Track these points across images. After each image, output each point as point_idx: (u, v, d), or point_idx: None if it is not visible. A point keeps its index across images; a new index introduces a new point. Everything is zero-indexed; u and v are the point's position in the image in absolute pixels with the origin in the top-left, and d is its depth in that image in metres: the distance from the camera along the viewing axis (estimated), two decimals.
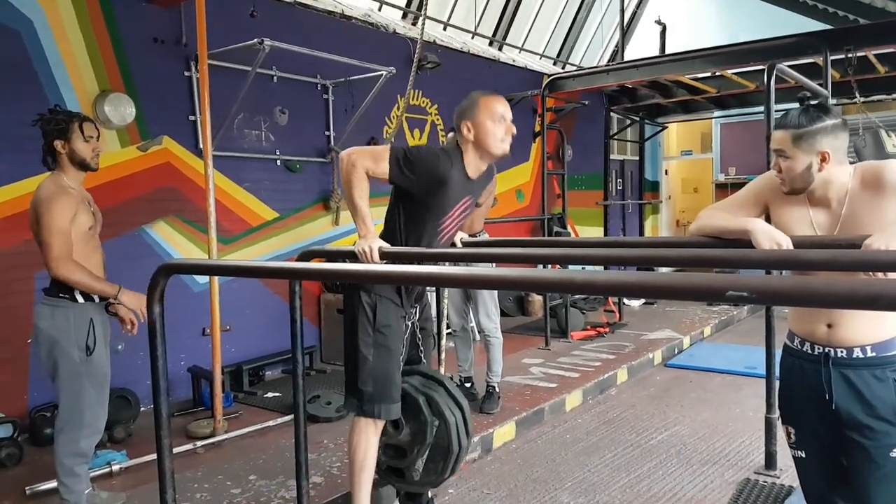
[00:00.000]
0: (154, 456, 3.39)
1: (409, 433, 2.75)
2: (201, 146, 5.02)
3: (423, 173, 2.52)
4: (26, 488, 3.37)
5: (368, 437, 2.64)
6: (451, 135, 4.36)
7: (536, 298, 8.21)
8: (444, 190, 2.57)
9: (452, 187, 2.59)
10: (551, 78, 7.85)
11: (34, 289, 4.16)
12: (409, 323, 2.79)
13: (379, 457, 2.78)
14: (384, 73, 5.54)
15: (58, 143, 2.95)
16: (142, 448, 3.74)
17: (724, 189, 10.73)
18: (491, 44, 9.07)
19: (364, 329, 2.63)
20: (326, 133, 6.13)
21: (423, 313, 2.92)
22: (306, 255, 2.59)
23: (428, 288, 3.13)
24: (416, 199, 2.60)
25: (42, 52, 4.28)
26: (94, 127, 3.05)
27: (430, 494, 3.04)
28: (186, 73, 5.04)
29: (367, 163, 2.50)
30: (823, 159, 1.96)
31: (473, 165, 2.66)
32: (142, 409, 4.40)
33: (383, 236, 2.69)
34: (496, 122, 2.59)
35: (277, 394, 5.03)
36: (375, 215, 2.57)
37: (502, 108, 2.62)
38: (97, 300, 3.00)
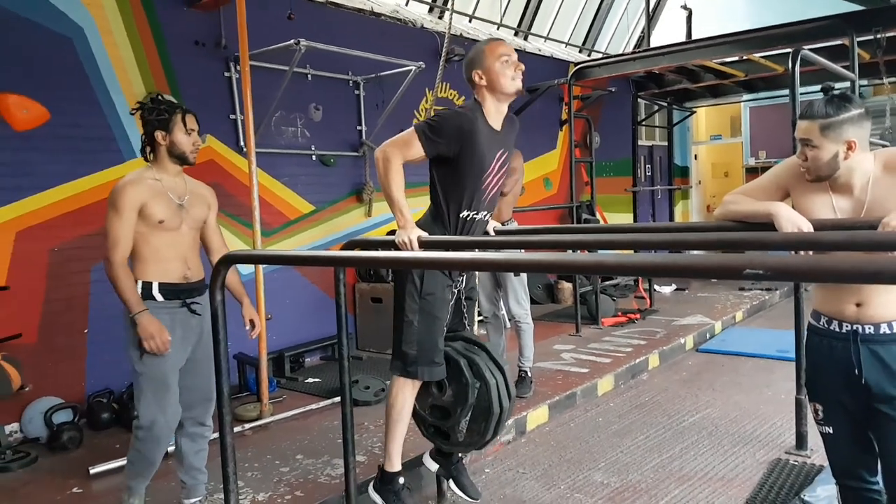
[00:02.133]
0: None
1: (451, 395, 2.86)
2: (241, 143, 5.26)
3: (451, 133, 2.63)
4: (89, 468, 3.59)
5: (406, 395, 2.80)
6: None
7: (566, 286, 8.31)
8: (475, 143, 2.66)
9: (482, 139, 2.68)
10: (578, 66, 7.91)
11: (90, 280, 4.42)
12: (455, 291, 2.89)
13: (425, 418, 2.94)
14: (413, 68, 5.68)
15: (159, 135, 2.82)
16: None
17: (754, 173, 10.69)
18: (516, 34, 9.15)
19: (411, 296, 2.75)
20: (358, 128, 6.30)
21: (468, 283, 3.03)
22: (350, 245, 2.74)
23: None
24: (454, 162, 2.69)
25: (92, 57, 4.50)
26: (195, 119, 2.92)
27: (460, 455, 3.16)
28: (226, 74, 5.25)
29: (401, 152, 2.62)
30: (850, 147, 2.04)
31: (494, 113, 2.77)
32: None
33: (428, 214, 2.82)
34: (503, 62, 2.71)
35: (317, 379, 5.24)
36: (411, 205, 2.68)
37: (506, 49, 2.75)
38: (162, 299, 2.80)
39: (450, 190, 2.74)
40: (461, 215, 2.77)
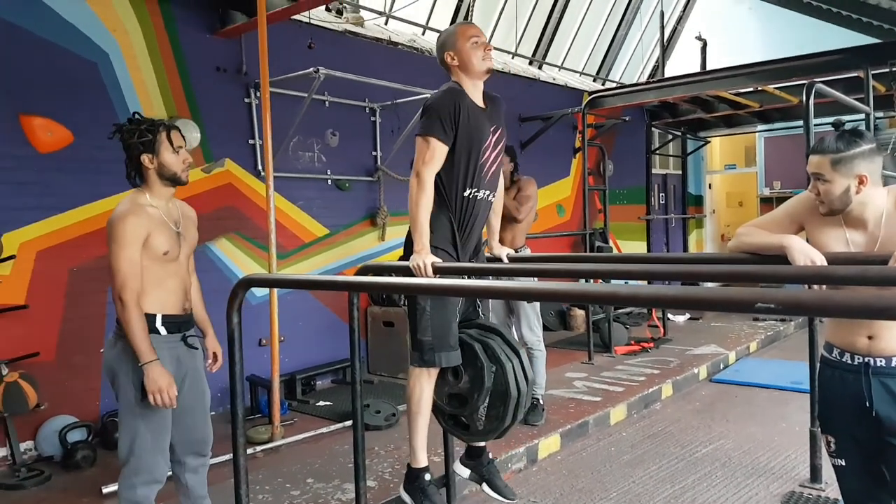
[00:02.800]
0: (215, 460, 3.65)
1: (467, 380, 2.82)
2: (260, 168, 5.33)
3: (447, 112, 2.68)
4: (102, 488, 3.62)
5: (423, 384, 2.78)
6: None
7: (578, 313, 8.29)
8: (468, 115, 2.71)
9: (472, 112, 2.74)
10: (592, 96, 7.97)
11: (106, 301, 4.47)
12: (466, 277, 2.88)
13: (444, 410, 2.90)
14: (429, 95, 5.73)
15: (145, 158, 2.61)
16: None
17: (769, 203, 10.68)
18: (531, 63, 9.24)
19: None
20: (374, 153, 6.38)
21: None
22: (364, 270, 2.77)
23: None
24: (454, 146, 2.73)
25: (116, 81, 4.61)
26: (180, 135, 2.71)
27: (490, 455, 3.10)
28: (246, 100, 5.35)
29: (430, 166, 2.67)
30: (861, 182, 2.07)
31: (472, 90, 2.82)
32: None
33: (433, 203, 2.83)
34: (473, 44, 2.78)
35: (329, 403, 5.24)
36: None
37: (475, 31, 2.83)
38: (165, 332, 2.66)
39: (451, 170, 2.76)
40: (464, 195, 2.78)
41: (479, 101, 2.84)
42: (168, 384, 2.54)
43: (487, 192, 2.87)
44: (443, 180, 2.78)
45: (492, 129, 2.83)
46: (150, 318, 2.61)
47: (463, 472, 3.06)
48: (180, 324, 2.73)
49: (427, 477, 2.82)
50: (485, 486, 3.03)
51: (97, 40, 4.52)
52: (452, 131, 2.70)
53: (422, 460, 2.82)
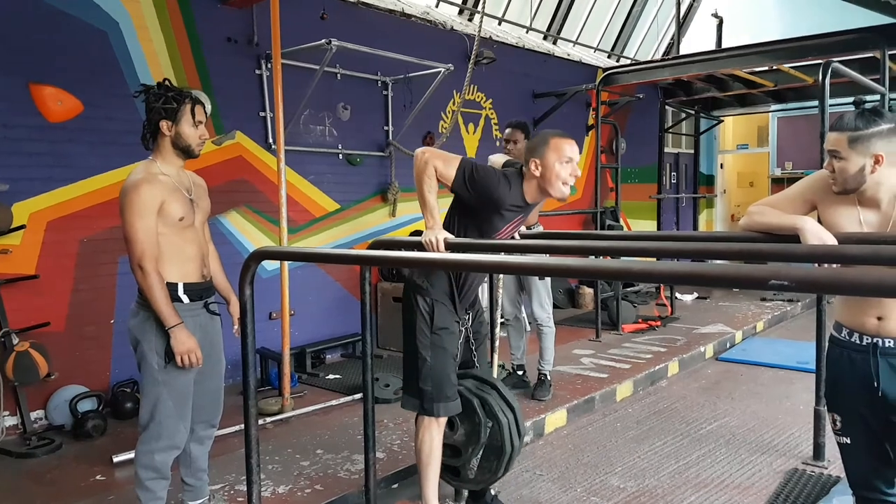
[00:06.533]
0: (224, 431, 3.70)
1: (463, 433, 2.92)
2: (270, 141, 5.33)
3: (482, 193, 2.68)
4: (113, 457, 3.66)
5: (433, 434, 2.82)
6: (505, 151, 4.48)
7: (587, 291, 8.30)
8: (498, 211, 2.73)
9: (506, 211, 2.74)
10: (606, 72, 7.89)
11: (117, 272, 4.51)
12: (463, 329, 2.95)
13: None
14: (442, 69, 5.71)
15: (164, 124, 2.63)
16: None
17: (780, 183, 10.60)
18: (545, 38, 9.15)
19: (422, 332, 2.80)
20: (385, 128, 6.35)
21: (476, 319, 3.07)
22: (376, 245, 2.77)
23: (481, 286, 3.26)
24: (472, 211, 2.76)
25: (127, 52, 4.59)
26: (203, 111, 2.73)
27: (493, 492, 3.20)
28: (257, 72, 5.32)
29: (439, 164, 2.66)
30: (877, 161, 2.06)
31: (532, 195, 2.80)
32: None
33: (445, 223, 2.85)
34: (563, 164, 2.71)
35: (338, 376, 5.29)
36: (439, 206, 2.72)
37: (571, 150, 2.74)
38: (188, 301, 2.69)
39: (463, 227, 2.80)
40: None
41: (531, 199, 2.81)
42: (196, 345, 2.62)
43: None
44: (456, 223, 2.81)
45: (516, 218, 2.83)
46: (172, 287, 2.64)
47: None
48: (202, 291, 2.77)
49: None
50: None
51: (107, 9, 4.50)
52: (464, 196, 2.70)
53: None
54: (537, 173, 2.73)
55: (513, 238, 2.96)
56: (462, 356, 2.97)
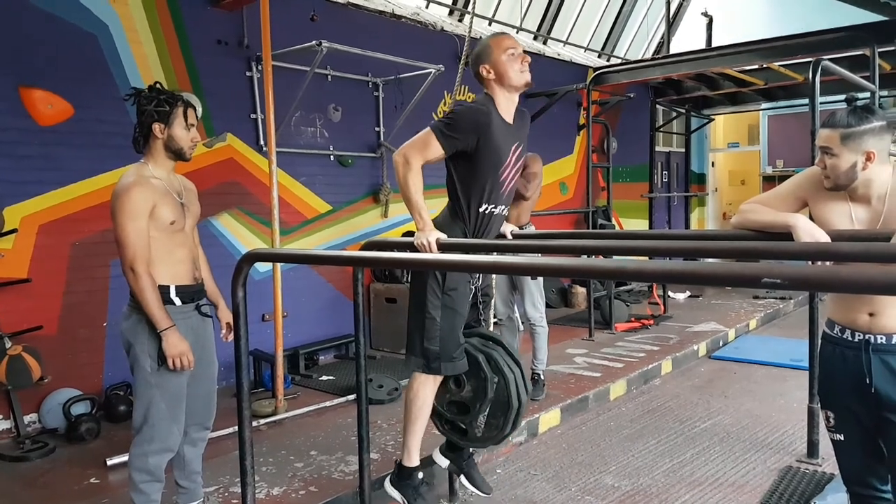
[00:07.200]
0: (218, 433, 3.69)
1: (470, 390, 2.89)
2: (262, 143, 5.32)
3: (468, 127, 2.65)
4: (106, 460, 3.64)
5: (427, 391, 2.82)
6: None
7: (580, 290, 8.32)
8: (491, 135, 2.68)
9: (497, 132, 2.70)
10: (597, 72, 7.91)
11: (109, 275, 4.49)
12: (473, 287, 2.92)
13: (443, 413, 2.96)
14: (433, 70, 5.71)
15: (156, 127, 2.64)
16: None
17: (771, 181, 10.64)
18: (536, 38, 9.16)
19: (433, 292, 2.76)
20: (377, 129, 6.34)
21: (485, 280, 3.05)
22: (369, 246, 2.77)
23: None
24: (471, 156, 2.70)
25: (117, 54, 4.57)
26: (195, 114, 2.74)
27: (470, 450, 3.17)
28: (248, 74, 5.31)
29: (420, 154, 2.64)
30: (868, 158, 2.08)
31: (505, 106, 2.78)
32: None
33: (446, 210, 2.85)
34: (510, 56, 2.73)
35: (331, 377, 5.28)
36: (428, 206, 2.71)
37: (511, 42, 2.76)
38: (180, 303, 2.70)
39: (468, 185, 2.76)
40: (480, 210, 2.78)
41: (510, 117, 2.80)
42: (188, 348, 2.62)
43: (503, 207, 2.88)
44: (460, 194, 2.79)
45: (513, 148, 2.80)
46: (164, 290, 2.65)
47: (442, 461, 3.13)
48: (193, 293, 2.77)
49: (420, 476, 2.90)
50: (462, 479, 3.11)
51: (96, 11, 4.47)
52: (462, 148, 2.67)
53: (415, 460, 2.90)
54: (492, 76, 2.74)
55: (516, 182, 2.92)
56: (469, 317, 2.95)
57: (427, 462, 3.11)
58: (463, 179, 2.76)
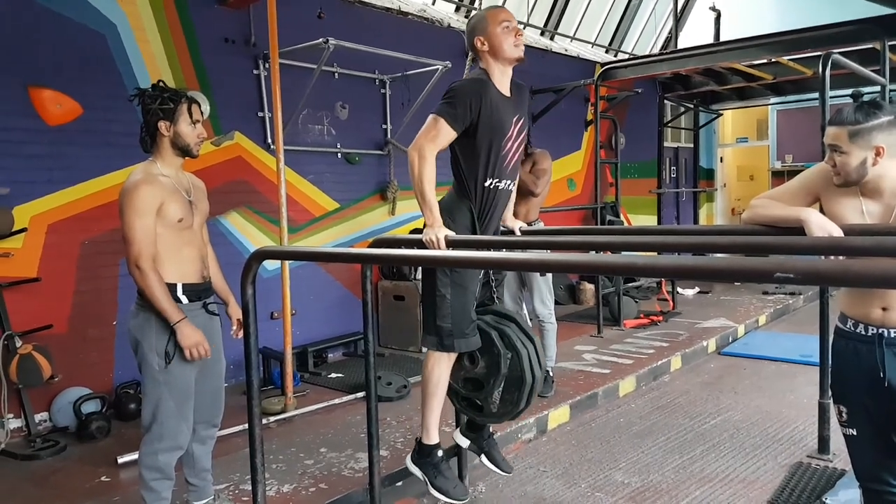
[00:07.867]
0: (228, 431, 3.70)
1: (484, 366, 2.88)
2: (269, 141, 5.32)
3: (468, 101, 2.65)
4: (117, 458, 3.66)
5: (442, 368, 2.82)
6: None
7: (588, 287, 8.30)
8: (491, 106, 2.69)
9: (495, 103, 2.71)
10: (605, 67, 7.87)
11: (118, 274, 4.51)
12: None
13: (459, 392, 2.96)
14: (440, 67, 5.70)
15: (162, 125, 2.65)
16: None
17: (780, 176, 10.59)
18: (543, 33, 9.13)
19: (442, 270, 2.77)
20: (384, 126, 6.34)
21: None
22: (377, 243, 2.77)
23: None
24: (473, 130, 2.71)
25: (124, 53, 4.59)
26: (199, 110, 2.75)
27: (490, 429, 3.17)
28: (255, 72, 5.32)
29: (434, 144, 2.65)
30: (878, 154, 2.06)
31: (500, 78, 2.79)
32: None
33: (452, 191, 2.84)
34: (505, 29, 2.74)
35: (340, 375, 5.29)
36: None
37: (507, 15, 2.78)
38: (186, 301, 2.69)
39: (471, 160, 2.76)
40: (485, 184, 2.78)
41: (506, 90, 2.80)
42: (202, 338, 2.63)
43: (508, 182, 2.87)
44: (463, 170, 2.78)
45: (514, 120, 2.80)
46: (171, 288, 2.64)
47: (463, 441, 3.13)
48: (200, 292, 2.77)
49: (440, 453, 2.89)
50: (483, 458, 3.10)
51: (105, 11, 4.49)
52: (468, 121, 2.67)
53: (434, 437, 2.89)
54: (486, 48, 2.76)
55: (519, 157, 2.92)
56: (482, 295, 2.95)
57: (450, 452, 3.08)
58: (466, 156, 2.77)
